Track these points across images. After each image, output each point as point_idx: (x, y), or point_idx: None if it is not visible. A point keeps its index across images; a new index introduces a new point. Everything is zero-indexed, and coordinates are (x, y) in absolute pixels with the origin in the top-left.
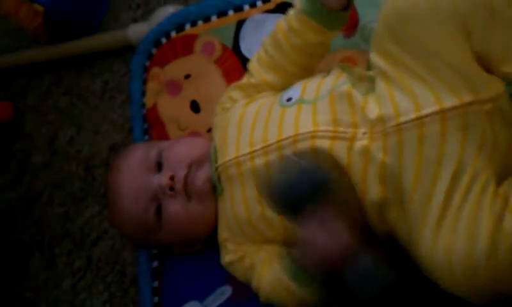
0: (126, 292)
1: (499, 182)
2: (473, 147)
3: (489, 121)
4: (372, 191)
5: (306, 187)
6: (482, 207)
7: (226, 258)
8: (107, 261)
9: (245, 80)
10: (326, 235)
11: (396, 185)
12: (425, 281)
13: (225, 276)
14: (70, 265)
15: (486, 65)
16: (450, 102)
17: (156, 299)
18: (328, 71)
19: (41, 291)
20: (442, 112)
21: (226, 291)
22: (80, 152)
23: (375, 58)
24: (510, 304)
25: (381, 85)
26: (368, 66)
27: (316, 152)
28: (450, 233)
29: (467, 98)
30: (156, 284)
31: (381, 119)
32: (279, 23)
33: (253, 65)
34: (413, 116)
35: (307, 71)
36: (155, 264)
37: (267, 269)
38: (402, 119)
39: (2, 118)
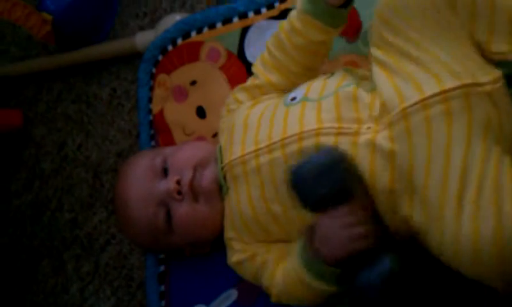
0: (133, 296)
1: None
2: (480, 127)
3: (492, 103)
4: (382, 181)
5: (335, 184)
6: (503, 181)
7: (234, 257)
8: (115, 265)
9: (250, 81)
10: (346, 233)
11: (407, 173)
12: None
13: (231, 280)
14: (78, 270)
15: (482, 52)
16: (451, 83)
17: (163, 303)
18: (331, 73)
19: (49, 296)
20: (445, 93)
21: (232, 295)
22: (88, 158)
23: (374, 51)
24: None
25: (381, 76)
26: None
27: (341, 152)
28: (473, 212)
29: (466, 80)
30: (163, 288)
31: (385, 109)
32: (281, 24)
33: (257, 67)
34: (417, 98)
35: (310, 71)
36: (162, 268)
37: (281, 266)
38: (407, 103)
39: (12, 126)
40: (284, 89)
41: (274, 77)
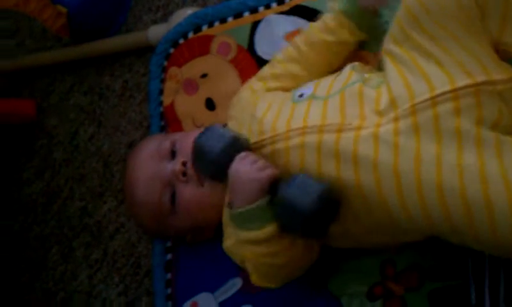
0: (140, 284)
1: None
2: (490, 124)
3: (504, 102)
4: (387, 169)
5: (227, 146)
6: None
7: (226, 242)
8: (123, 253)
9: (267, 70)
10: (254, 168)
11: (413, 168)
12: None
13: (236, 268)
14: (88, 258)
15: (500, 52)
16: (463, 81)
17: (169, 291)
18: (339, 71)
19: (59, 283)
20: (455, 91)
21: (237, 283)
22: (100, 149)
23: (390, 45)
24: None
25: (393, 71)
26: (379, 68)
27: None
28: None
29: (480, 78)
30: (169, 276)
31: (393, 104)
32: (312, 24)
33: (277, 57)
34: (427, 95)
35: (329, 67)
36: (169, 257)
37: None
38: (417, 100)
39: (25, 116)
40: (299, 83)
41: (295, 68)
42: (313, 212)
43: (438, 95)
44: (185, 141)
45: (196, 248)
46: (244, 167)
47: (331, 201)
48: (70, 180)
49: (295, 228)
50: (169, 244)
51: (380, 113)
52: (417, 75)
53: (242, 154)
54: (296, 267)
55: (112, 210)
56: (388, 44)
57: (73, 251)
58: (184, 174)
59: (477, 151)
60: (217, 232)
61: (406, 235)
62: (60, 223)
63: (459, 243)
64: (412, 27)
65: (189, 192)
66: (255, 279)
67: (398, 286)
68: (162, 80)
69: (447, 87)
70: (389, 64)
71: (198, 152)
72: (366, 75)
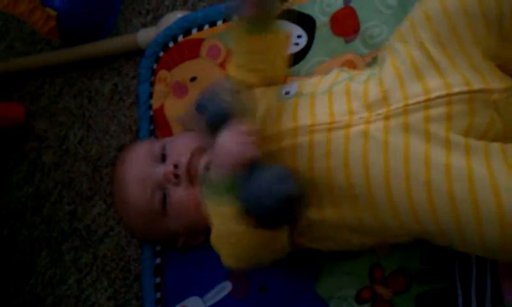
0: (130, 288)
1: None
2: (480, 131)
3: (497, 111)
4: (377, 167)
5: (220, 109)
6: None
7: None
8: (113, 257)
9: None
10: (239, 141)
11: (403, 167)
12: None
13: (225, 273)
14: (77, 262)
15: (499, 62)
16: (459, 87)
17: (158, 295)
18: (326, 73)
19: (47, 287)
20: (449, 96)
21: (226, 286)
22: (89, 152)
23: (394, 42)
24: None
25: (389, 67)
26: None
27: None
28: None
29: (476, 85)
30: (158, 280)
31: (385, 100)
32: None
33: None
34: (421, 98)
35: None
36: (158, 261)
37: None
38: (411, 101)
39: (14, 119)
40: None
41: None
42: (274, 207)
43: (432, 99)
44: (175, 143)
45: (185, 252)
46: (230, 136)
47: (298, 198)
48: (59, 183)
49: (255, 213)
50: (158, 248)
51: (369, 106)
52: (414, 76)
53: (235, 121)
54: (259, 254)
55: (102, 214)
56: (393, 41)
57: (62, 255)
58: (176, 176)
59: (465, 156)
60: (208, 236)
61: (392, 236)
62: (49, 227)
63: (446, 245)
64: (422, 25)
65: (181, 193)
66: (223, 258)
67: (386, 289)
68: (152, 84)
69: (442, 92)
70: (388, 59)
71: (199, 108)
72: (353, 73)
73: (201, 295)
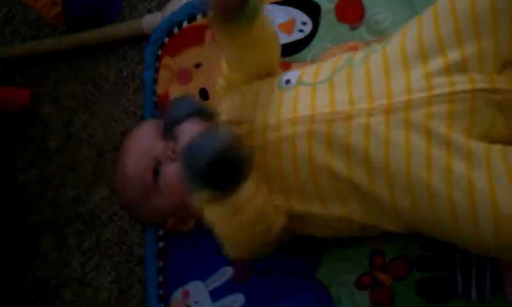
0: (133, 272)
1: None
2: (481, 131)
3: (500, 112)
4: (378, 158)
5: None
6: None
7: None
8: (116, 241)
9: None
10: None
11: (405, 163)
12: None
13: (226, 258)
14: (80, 245)
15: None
16: (462, 86)
17: (160, 278)
18: (325, 60)
19: (51, 270)
20: (452, 94)
21: (227, 271)
22: (93, 137)
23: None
24: None
25: (398, 65)
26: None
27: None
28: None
29: (480, 85)
30: (161, 264)
31: (388, 95)
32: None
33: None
34: (423, 94)
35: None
36: (160, 245)
37: None
38: (414, 96)
39: (20, 104)
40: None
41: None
42: (204, 162)
43: (434, 96)
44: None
45: (187, 237)
46: (189, 129)
47: (233, 159)
48: (63, 168)
49: (191, 172)
50: (161, 232)
51: (371, 97)
52: (420, 72)
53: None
54: (258, 245)
55: (105, 199)
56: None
57: (66, 238)
58: (173, 151)
59: (465, 160)
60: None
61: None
62: (53, 211)
63: (445, 241)
64: (445, 18)
65: (175, 169)
66: (227, 251)
67: (386, 276)
68: (157, 70)
69: (445, 90)
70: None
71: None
72: (351, 54)
73: (203, 279)
